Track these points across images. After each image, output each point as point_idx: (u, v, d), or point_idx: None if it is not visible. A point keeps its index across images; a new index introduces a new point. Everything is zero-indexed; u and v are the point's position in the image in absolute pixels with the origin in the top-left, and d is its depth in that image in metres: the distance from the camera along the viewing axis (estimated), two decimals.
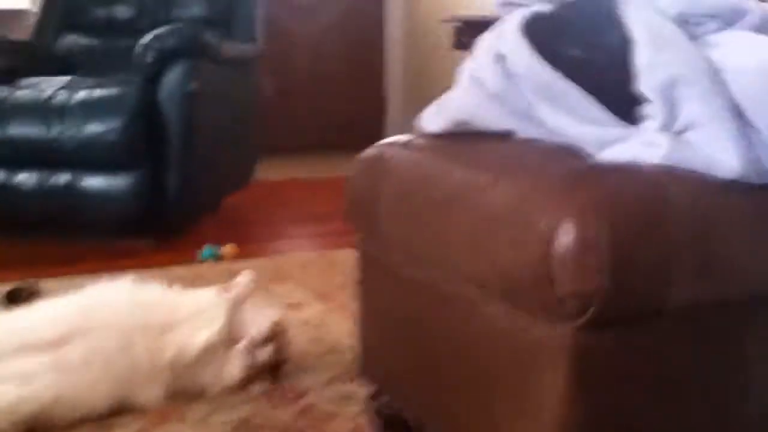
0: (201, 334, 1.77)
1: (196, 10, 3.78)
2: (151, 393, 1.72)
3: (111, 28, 3.81)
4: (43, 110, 3.00)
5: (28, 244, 3.13)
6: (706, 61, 1.15)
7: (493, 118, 1.32)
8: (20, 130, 3.00)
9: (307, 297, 2.48)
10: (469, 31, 2.90)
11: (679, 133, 1.15)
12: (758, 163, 1.11)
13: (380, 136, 1.57)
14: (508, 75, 1.28)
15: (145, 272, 2.55)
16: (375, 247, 1.51)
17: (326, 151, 4.93)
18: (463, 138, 1.39)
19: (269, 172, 4.14)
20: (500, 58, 1.29)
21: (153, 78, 3.05)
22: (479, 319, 1.23)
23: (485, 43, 1.35)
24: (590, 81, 1.22)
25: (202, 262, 2.92)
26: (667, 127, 1.15)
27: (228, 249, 2.98)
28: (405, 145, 1.48)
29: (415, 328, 1.43)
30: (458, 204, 1.25)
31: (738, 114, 1.13)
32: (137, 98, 2.98)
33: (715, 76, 1.14)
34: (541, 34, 1.25)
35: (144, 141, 3.01)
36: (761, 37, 1.21)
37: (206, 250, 2.94)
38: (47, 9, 3.87)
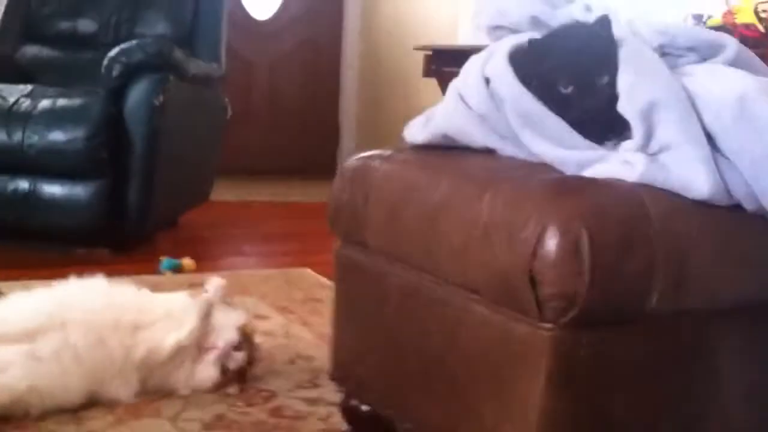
0: (172, 335, 1.81)
1: (160, 28, 3.83)
2: (122, 389, 1.76)
3: (74, 41, 3.84)
4: (5, 117, 3.00)
5: None
6: (682, 88, 1.27)
7: (476, 136, 1.41)
8: None
9: (269, 310, 2.53)
10: (439, 60, 3.01)
11: (654, 154, 1.26)
12: (725, 187, 1.22)
13: (333, 164, 1.66)
14: (493, 97, 1.37)
15: (115, 277, 2.60)
16: (357, 253, 1.58)
17: (279, 176, 5.00)
18: (446, 152, 1.48)
19: (223, 193, 4.19)
20: (487, 81, 1.38)
21: (118, 90, 3.08)
22: (466, 322, 1.31)
23: (474, 64, 1.44)
24: (571, 109, 1.32)
25: (162, 273, 2.95)
26: (643, 148, 1.26)
27: (187, 262, 3.01)
28: (388, 157, 1.56)
29: (397, 332, 1.49)
30: (446, 213, 1.33)
31: (708, 140, 1.24)
32: (102, 109, 3.02)
33: (690, 103, 1.25)
34: (528, 62, 1.35)
35: (106, 152, 3.03)
36: (733, 71, 1.33)
37: (166, 261, 2.97)
38: (9, 18, 3.87)
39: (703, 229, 1.23)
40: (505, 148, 1.40)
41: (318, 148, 5.38)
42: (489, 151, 1.43)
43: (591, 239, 1.12)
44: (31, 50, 3.84)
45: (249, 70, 5.49)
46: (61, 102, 3.08)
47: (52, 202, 3.07)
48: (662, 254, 1.17)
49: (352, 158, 1.63)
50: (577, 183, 1.24)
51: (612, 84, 1.31)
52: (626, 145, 1.28)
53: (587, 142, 1.30)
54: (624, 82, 1.28)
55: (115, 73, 3.08)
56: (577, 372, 1.19)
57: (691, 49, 1.37)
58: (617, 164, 1.26)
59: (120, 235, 3.19)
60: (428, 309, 1.40)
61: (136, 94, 3.07)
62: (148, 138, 3.10)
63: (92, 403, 1.74)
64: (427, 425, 1.45)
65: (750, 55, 1.39)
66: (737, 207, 1.24)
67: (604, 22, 1.34)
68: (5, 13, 3.88)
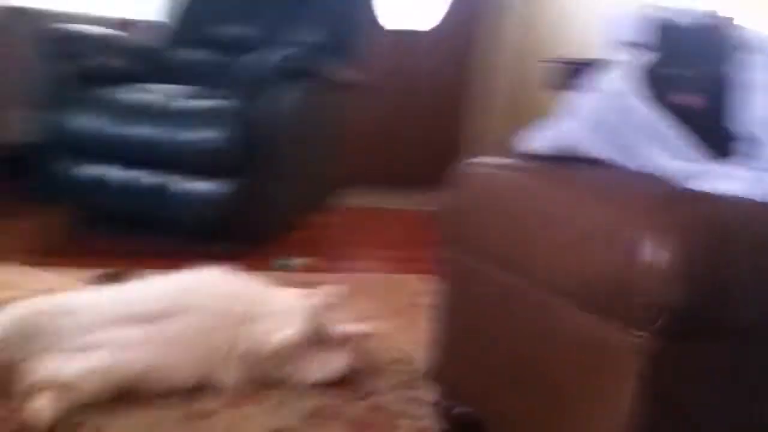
0: (278, 335, 1.88)
1: (313, 35, 3.89)
2: (227, 376, 1.84)
3: (229, 45, 3.97)
4: (157, 114, 3.19)
5: (113, 237, 3.31)
6: None
7: (594, 147, 1.44)
8: (134, 131, 3.19)
9: (377, 312, 2.59)
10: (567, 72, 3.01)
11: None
12: None
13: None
14: (614, 111, 1.40)
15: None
16: (466, 255, 1.62)
17: (401, 185, 5.09)
18: (559, 163, 1.51)
19: (352, 199, 4.31)
20: (611, 96, 1.41)
21: (254, 96, 3.21)
22: (563, 326, 1.34)
23: (597, 79, 1.47)
24: (690, 121, 1.34)
25: (276, 270, 3.05)
26: (753, 162, 1.26)
27: (302, 262, 3.11)
28: (499, 165, 1.60)
29: (493, 335, 1.54)
30: (555, 219, 1.37)
31: None
32: (241, 112, 3.15)
33: None
34: (653, 76, 1.38)
35: (243, 152, 3.16)
36: None
37: (281, 259, 3.08)
38: (171, 21, 4.10)
39: None
40: (620, 159, 1.43)
41: (439, 159, 5.42)
42: (602, 162, 1.45)
43: (687, 250, 1.14)
44: (187, 52, 4.02)
45: (384, 78, 5.58)
46: (206, 104, 3.24)
47: (184, 197, 3.21)
48: (756, 269, 1.17)
49: (463, 164, 1.68)
50: (681, 195, 1.28)
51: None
52: (737, 160, 1.29)
53: (702, 156, 1.32)
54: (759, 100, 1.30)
55: (255, 80, 3.21)
56: (668, 381, 1.21)
57: None
58: (724, 178, 1.27)
59: (243, 233, 3.31)
60: (528, 311, 1.44)
61: (271, 100, 3.19)
62: (278, 143, 3.22)
63: (200, 387, 1.83)
64: (517, 426, 1.47)
65: None
66: None
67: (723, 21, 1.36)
68: (168, 17, 4.10)
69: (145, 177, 3.24)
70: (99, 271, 2.62)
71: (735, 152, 1.30)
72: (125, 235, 3.33)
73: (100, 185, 3.28)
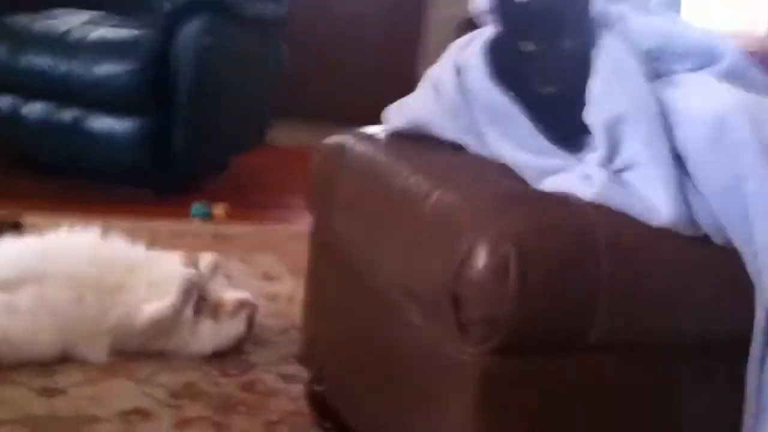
0: (150, 308, 1.77)
1: None
2: (94, 349, 1.74)
3: None
4: (57, 45, 3.02)
5: (30, 178, 3.18)
6: (657, 101, 1.14)
7: (446, 129, 1.31)
8: (33, 61, 3.03)
9: (282, 271, 2.50)
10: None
11: (618, 171, 1.14)
12: (690, 215, 1.09)
13: None
14: (463, 90, 1.27)
15: (135, 223, 2.64)
16: (328, 235, 1.52)
17: (345, 124, 4.93)
18: (419, 140, 1.38)
19: (288, 136, 4.15)
20: (458, 71, 1.28)
21: (170, 28, 3.05)
22: (405, 327, 1.23)
23: (452, 51, 1.34)
24: (531, 69, 1.21)
25: (192, 219, 2.94)
26: (606, 163, 1.14)
27: (219, 209, 2.99)
28: (368, 137, 1.48)
29: (352, 322, 1.45)
30: (398, 209, 1.25)
31: (678, 162, 1.11)
32: (151, 46, 3.00)
33: (663, 119, 1.12)
34: (498, 38, 1.24)
35: (153, 89, 3.02)
36: (722, 86, 1.18)
37: (196, 208, 2.96)
38: None
39: (663, 258, 1.10)
40: (473, 145, 1.29)
41: (390, 100, 5.27)
42: (453, 145, 1.32)
43: (521, 260, 1.02)
44: None
45: (332, 12, 5.40)
46: (111, 34, 3.08)
47: (98, 137, 3.09)
48: (609, 282, 1.06)
49: (333, 135, 1.56)
50: (523, 196, 1.14)
51: (577, 53, 1.19)
52: (590, 157, 1.16)
53: (552, 148, 1.19)
54: (593, 90, 1.16)
55: (166, 9, 3.04)
56: (506, 401, 1.11)
57: (684, 55, 1.23)
58: (577, 178, 1.14)
59: (165, 177, 3.19)
60: (376, 305, 1.33)
61: (186, 33, 3.04)
62: (196, 79, 3.07)
63: (65, 359, 1.74)
64: (370, 424, 1.39)
65: (750, 66, 1.24)
66: (705, 238, 1.11)
67: None
68: None
69: (57, 112, 3.09)
70: None
71: (588, 145, 1.17)
72: (45, 176, 3.19)
73: (12, 120, 3.13)
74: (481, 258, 1.03)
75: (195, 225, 2.87)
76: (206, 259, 1.93)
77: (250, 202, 3.37)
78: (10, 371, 1.67)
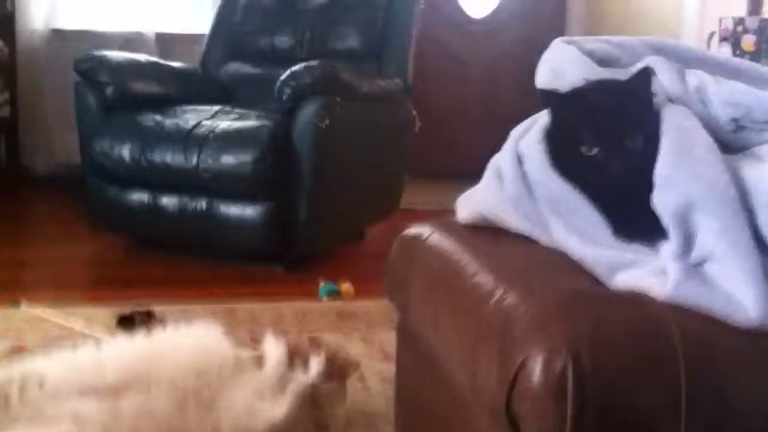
0: (265, 413, 1.74)
1: (351, 42, 3.83)
2: None
3: (271, 57, 3.90)
4: (184, 140, 3.13)
5: (169, 262, 3.30)
6: (733, 181, 1.01)
7: (509, 220, 1.23)
8: (164, 157, 3.15)
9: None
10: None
11: (697, 264, 1.02)
12: None
13: None
14: (525, 179, 1.18)
15: (263, 304, 2.71)
16: (409, 325, 1.46)
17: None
18: (493, 231, 1.30)
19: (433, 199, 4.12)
20: (520, 159, 1.20)
21: (288, 113, 3.11)
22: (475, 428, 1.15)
23: (513, 136, 1.26)
24: (597, 175, 1.11)
25: (321, 299, 2.95)
26: (682, 255, 1.02)
27: (346, 287, 2.98)
28: (445, 228, 1.41)
29: (432, 415, 1.37)
30: (463, 307, 1.18)
31: (762, 251, 0.98)
32: (270, 134, 3.06)
33: (740, 202, 0.99)
34: (564, 127, 1.15)
35: (275, 174, 3.07)
36: None
37: (323, 286, 2.97)
38: (214, 36, 4.05)
39: (753, 360, 0.97)
40: (541, 238, 1.20)
41: None
42: (520, 235, 1.24)
43: (579, 375, 0.92)
44: (232, 67, 3.98)
45: (464, 70, 5.40)
46: (235, 125, 3.17)
47: (228, 222, 3.17)
48: (690, 396, 0.94)
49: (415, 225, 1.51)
50: (588, 297, 1.03)
51: (646, 149, 1.07)
52: (664, 249, 1.04)
53: (618, 240, 1.08)
54: (659, 173, 1.05)
55: (284, 97, 3.11)
56: None
57: None
58: (650, 273, 1.03)
59: (292, 254, 3.23)
60: (452, 398, 1.25)
61: (303, 117, 3.08)
62: (315, 160, 3.10)
63: None
64: None
65: None
66: None
67: (644, 75, 1.11)
68: (211, 32, 4.05)
69: (191, 202, 3.20)
70: (126, 309, 2.57)
71: (660, 234, 1.05)
72: (175, 260, 3.31)
73: (148, 211, 3.28)
74: (535, 373, 0.94)
75: (320, 304, 2.86)
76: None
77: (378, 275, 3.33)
78: None
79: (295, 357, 1.86)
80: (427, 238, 1.40)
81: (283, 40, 3.93)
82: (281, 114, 3.13)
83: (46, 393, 1.73)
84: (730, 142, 1.14)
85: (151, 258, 3.35)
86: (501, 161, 1.25)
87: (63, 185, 3.55)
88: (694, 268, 1.01)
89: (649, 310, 0.98)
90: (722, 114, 1.11)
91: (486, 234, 1.31)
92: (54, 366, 1.81)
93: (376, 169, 3.55)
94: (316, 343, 1.88)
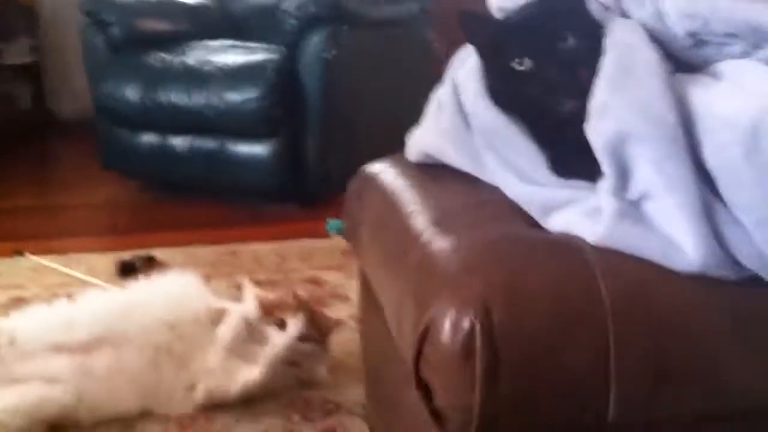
0: (241, 376, 1.69)
1: None
2: (173, 408, 1.69)
3: None
4: (190, 78, 3.04)
5: (181, 205, 3.24)
6: (676, 106, 0.87)
7: (449, 157, 1.11)
8: (171, 97, 3.06)
9: None
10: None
11: (634, 202, 0.89)
12: (724, 253, 0.82)
13: None
14: (461, 109, 1.05)
15: (274, 243, 2.68)
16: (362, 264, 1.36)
17: None
18: (439, 169, 1.18)
19: None
20: (456, 89, 1.07)
21: (294, 45, 2.99)
22: (405, 395, 1.05)
23: (452, 65, 1.12)
24: (529, 90, 0.98)
25: (330, 235, 2.86)
26: (619, 191, 0.89)
27: None
28: (398, 164, 1.30)
29: (376, 368, 1.28)
30: (397, 254, 1.06)
31: (706, 185, 0.85)
32: (276, 68, 2.95)
33: (682, 129, 0.86)
34: (497, 47, 1.01)
35: (282, 110, 2.98)
36: None
37: (332, 223, 2.88)
38: None
39: (692, 313, 0.84)
40: (480, 174, 1.08)
41: None
42: (460, 173, 1.12)
43: (489, 334, 0.81)
44: (238, 3, 3.85)
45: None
46: (240, 60, 3.06)
47: (237, 161, 3.10)
48: (621, 350, 0.83)
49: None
50: (510, 244, 0.91)
51: (584, 56, 0.94)
52: (601, 185, 0.91)
53: (556, 175, 0.96)
54: (594, 99, 0.91)
55: (288, 27, 2.99)
56: None
57: (731, 35, 0.95)
58: (583, 214, 0.91)
59: (305, 192, 3.15)
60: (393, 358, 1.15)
61: (309, 48, 2.97)
62: (322, 93, 2.99)
63: (145, 413, 1.69)
64: None
65: None
66: (748, 280, 0.84)
67: None
68: None
69: (200, 142, 3.13)
70: (127, 255, 2.54)
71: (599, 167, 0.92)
72: (187, 202, 3.26)
73: (158, 153, 3.22)
74: (441, 331, 0.83)
75: (327, 243, 2.78)
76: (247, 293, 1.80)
77: None
78: (90, 430, 1.65)
79: (273, 314, 1.78)
80: (377, 175, 1.29)
81: None
82: (287, 46, 3.01)
83: (16, 350, 1.70)
84: (691, 60, 0.99)
85: (163, 201, 3.31)
86: (441, 93, 1.12)
87: (87, 129, 3.50)
88: (632, 207, 0.88)
89: (574, 257, 0.86)
90: (679, 27, 0.96)
91: (433, 172, 1.19)
92: (26, 323, 1.78)
93: (391, 101, 3.40)
94: (298, 301, 1.79)
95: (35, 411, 1.62)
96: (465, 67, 1.07)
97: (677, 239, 0.83)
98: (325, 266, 2.54)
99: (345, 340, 1.89)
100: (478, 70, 1.03)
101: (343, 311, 2.12)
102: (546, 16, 0.97)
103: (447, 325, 0.83)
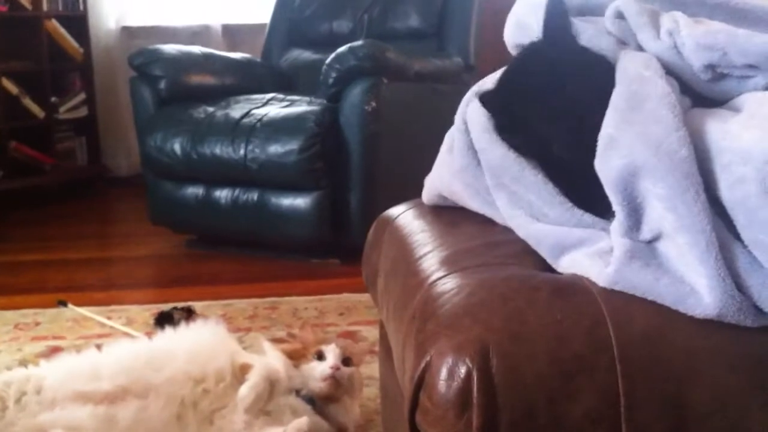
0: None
1: (410, 21, 3.68)
2: None
3: (330, 42, 3.77)
4: (232, 131, 3.06)
5: (224, 258, 3.24)
6: (689, 140, 0.81)
7: (462, 198, 1.06)
8: (213, 149, 3.08)
9: None
10: None
11: (651, 241, 0.83)
12: (743, 298, 0.76)
13: None
14: (471, 147, 1.01)
15: (313, 297, 2.64)
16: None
17: None
18: (455, 212, 1.14)
19: None
20: (466, 127, 1.03)
21: (335, 98, 2.99)
22: None
23: (466, 98, 1.09)
24: (560, 152, 0.93)
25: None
26: (630, 231, 0.84)
27: None
28: (415, 208, 1.26)
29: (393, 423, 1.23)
30: (405, 296, 1.02)
31: (723, 223, 0.79)
32: (317, 120, 2.94)
33: (694, 164, 0.80)
34: (500, 96, 0.97)
35: (323, 162, 2.96)
36: None
37: None
38: (274, 24, 3.98)
39: (709, 359, 0.78)
40: (493, 215, 1.03)
41: None
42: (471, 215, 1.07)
43: (487, 378, 0.76)
44: (293, 54, 3.90)
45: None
46: (283, 113, 3.07)
47: (280, 213, 3.08)
48: (631, 400, 0.76)
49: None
50: (515, 285, 0.85)
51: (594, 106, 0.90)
52: (614, 226, 0.86)
53: (576, 213, 0.90)
54: (602, 133, 0.86)
55: (330, 81, 2.99)
56: None
57: (752, 66, 0.89)
58: (594, 254, 0.85)
59: (347, 245, 3.11)
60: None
61: (349, 101, 2.96)
62: (363, 145, 2.97)
63: None
64: None
65: None
66: None
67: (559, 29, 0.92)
68: (272, 20, 3.98)
69: (242, 195, 3.13)
70: (167, 307, 2.53)
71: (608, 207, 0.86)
72: (231, 256, 3.26)
73: (203, 206, 3.24)
74: (437, 377, 0.78)
75: (366, 297, 2.73)
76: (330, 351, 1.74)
77: None
78: None
79: (302, 357, 1.75)
80: (392, 221, 1.25)
81: (341, 24, 3.82)
82: (328, 99, 3.01)
83: (42, 398, 1.68)
84: (711, 95, 0.94)
85: (207, 255, 3.31)
86: (452, 132, 1.09)
87: (140, 185, 3.55)
88: (645, 248, 0.82)
89: (580, 299, 0.81)
90: (696, 60, 0.92)
91: (447, 214, 1.15)
92: (53, 371, 1.76)
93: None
94: (314, 334, 1.75)
95: None
96: (473, 104, 1.03)
97: (691, 282, 0.77)
98: (363, 321, 2.49)
99: (375, 396, 1.84)
100: (484, 108, 0.99)
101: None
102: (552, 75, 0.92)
103: (443, 372, 0.78)
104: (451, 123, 1.12)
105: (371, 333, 2.36)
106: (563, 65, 0.92)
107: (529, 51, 0.97)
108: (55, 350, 2.26)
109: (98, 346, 1.84)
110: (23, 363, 2.01)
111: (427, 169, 1.22)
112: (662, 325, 0.78)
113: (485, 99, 0.98)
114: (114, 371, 1.71)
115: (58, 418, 1.65)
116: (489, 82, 1.04)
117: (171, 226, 3.43)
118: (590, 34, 1.00)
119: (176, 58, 3.43)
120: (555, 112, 0.91)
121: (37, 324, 2.51)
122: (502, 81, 0.98)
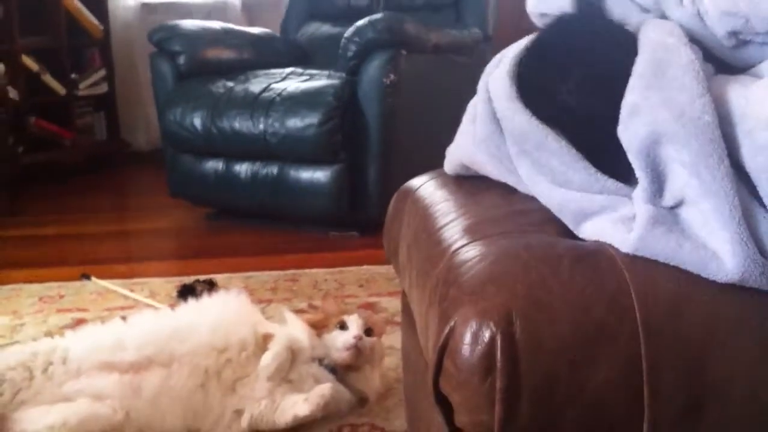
0: (294, 408, 1.64)
1: None
2: (221, 429, 1.68)
3: (348, 15, 3.77)
4: (251, 105, 3.06)
5: (244, 231, 3.26)
6: (712, 106, 0.81)
7: (485, 166, 1.07)
8: (235, 123, 3.09)
9: None
10: None
11: (674, 207, 0.84)
12: (765, 263, 0.76)
13: None
14: (494, 116, 1.02)
15: (333, 269, 2.67)
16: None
17: None
18: (477, 181, 1.15)
19: None
20: (489, 96, 1.03)
21: (354, 71, 2.99)
22: (434, 417, 1.01)
23: (488, 69, 1.09)
24: (586, 117, 0.94)
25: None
26: (654, 198, 0.84)
27: None
28: (437, 178, 1.27)
29: (414, 390, 1.24)
30: (428, 266, 1.03)
31: (746, 189, 0.79)
32: (335, 93, 2.94)
33: (718, 130, 0.80)
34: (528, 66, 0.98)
35: (342, 135, 2.97)
36: None
37: None
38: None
39: (732, 324, 0.79)
40: (516, 183, 1.04)
41: None
42: (494, 182, 1.08)
43: (510, 343, 0.77)
44: (311, 28, 3.89)
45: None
46: (302, 87, 3.07)
47: (299, 187, 3.09)
48: (654, 366, 0.77)
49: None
50: (537, 253, 0.86)
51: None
52: (636, 192, 0.87)
53: (600, 179, 0.91)
54: (626, 101, 0.87)
55: (349, 54, 2.99)
56: None
57: None
58: (617, 221, 0.86)
59: (367, 218, 3.13)
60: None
61: (368, 74, 2.96)
62: (382, 118, 2.97)
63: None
64: None
65: None
66: None
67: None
68: None
69: (261, 169, 3.14)
70: (189, 279, 2.55)
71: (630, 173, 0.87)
72: (251, 228, 3.28)
73: (222, 180, 3.25)
74: (461, 344, 0.79)
75: (386, 269, 2.75)
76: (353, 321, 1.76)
77: None
78: None
79: (324, 327, 1.77)
80: (414, 192, 1.26)
81: None
82: (347, 72, 3.01)
83: (68, 368, 1.71)
84: (734, 62, 0.94)
85: (227, 228, 3.33)
86: (475, 101, 1.09)
87: (159, 159, 3.57)
88: (668, 214, 0.82)
89: (603, 266, 0.81)
90: (719, 27, 0.91)
91: (469, 183, 1.16)
92: (79, 342, 1.79)
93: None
94: (337, 304, 1.78)
95: (82, 428, 1.62)
96: (496, 73, 1.03)
97: (714, 247, 0.78)
98: (383, 293, 2.50)
99: (396, 365, 1.85)
100: (509, 76, 0.99)
101: (399, 338, 2.08)
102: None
103: (467, 337, 0.79)
104: (469, 94, 1.13)
105: (391, 304, 2.38)
106: (593, 37, 0.92)
107: (560, 22, 0.97)
108: (79, 322, 2.28)
109: (123, 318, 1.87)
110: (48, 334, 2.04)
111: (446, 140, 1.23)
112: (685, 292, 0.78)
113: (510, 67, 0.98)
114: (139, 342, 1.74)
115: (83, 387, 1.68)
116: (512, 50, 1.04)
117: (190, 199, 3.45)
118: (620, 11, 1.00)
119: (195, 34, 3.43)
120: (583, 84, 0.91)
121: (61, 297, 2.54)
122: (529, 50, 0.98)
